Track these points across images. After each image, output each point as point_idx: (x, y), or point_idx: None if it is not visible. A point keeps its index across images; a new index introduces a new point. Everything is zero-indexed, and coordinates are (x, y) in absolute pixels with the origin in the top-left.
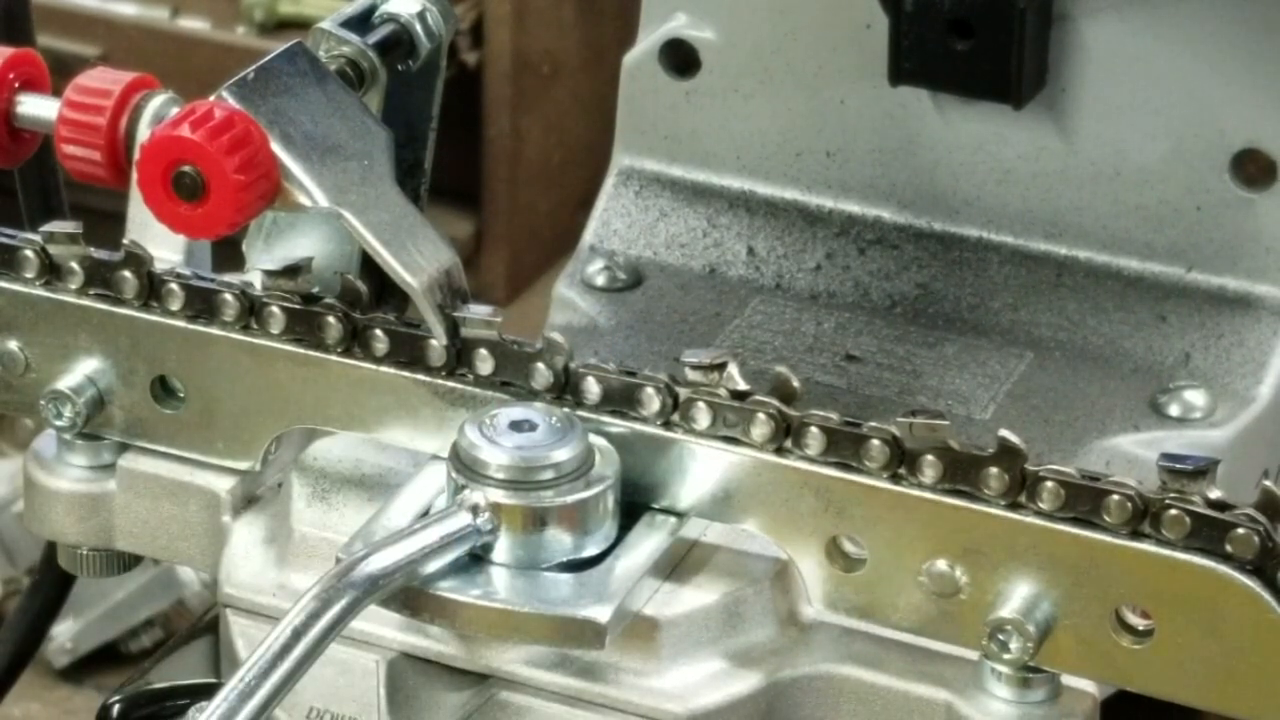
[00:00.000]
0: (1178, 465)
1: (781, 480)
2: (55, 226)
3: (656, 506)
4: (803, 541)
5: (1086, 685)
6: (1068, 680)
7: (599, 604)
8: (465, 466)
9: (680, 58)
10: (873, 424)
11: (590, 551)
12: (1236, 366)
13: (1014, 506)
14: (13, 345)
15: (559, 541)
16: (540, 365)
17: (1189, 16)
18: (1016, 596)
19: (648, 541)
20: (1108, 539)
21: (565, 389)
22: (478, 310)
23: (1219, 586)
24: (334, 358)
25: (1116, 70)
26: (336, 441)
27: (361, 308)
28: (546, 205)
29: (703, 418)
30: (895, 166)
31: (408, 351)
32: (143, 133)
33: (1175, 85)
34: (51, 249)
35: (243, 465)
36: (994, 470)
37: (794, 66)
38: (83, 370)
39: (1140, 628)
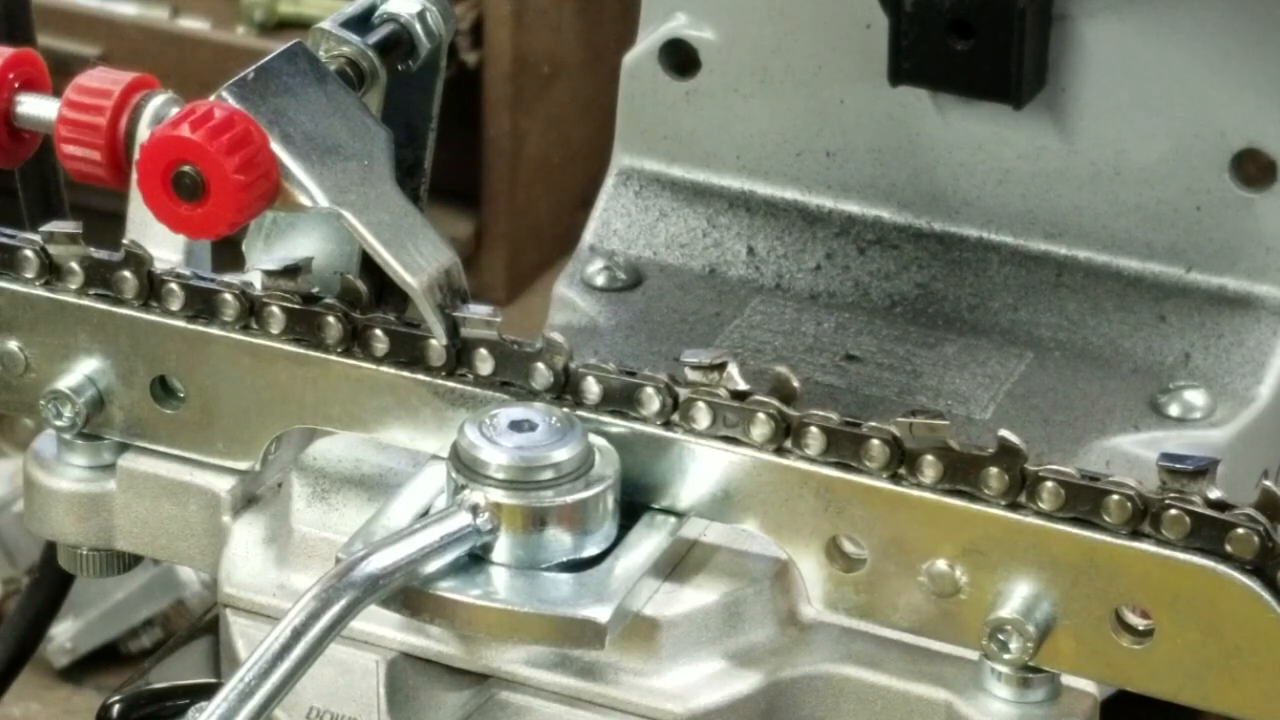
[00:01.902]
0: (1178, 465)
1: (781, 480)
2: (55, 226)
3: (656, 506)
4: (803, 541)
5: (1086, 685)
6: (1068, 680)
7: (599, 604)
8: (465, 466)
9: (680, 58)
10: (873, 424)
11: (590, 551)
12: (1236, 366)
13: (1014, 506)
14: (13, 345)
15: (559, 541)
16: (540, 365)
17: (1189, 16)
18: (1016, 596)
19: (648, 541)
20: (1108, 539)
21: (565, 389)
22: (478, 310)
23: (1219, 586)
24: (334, 358)
25: (1116, 70)
26: (336, 441)
27: (361, 308)
28: (546, 205)
29: (703, 418)
30: (895, 166)
31: (408, 351)
32: (143, 133)
33: (1175, 85)
34: (51, 249)
35: (243, 465)
36: (994, 470)
37: (794, 66)
38: (83, 370)
39: (1140, 628)
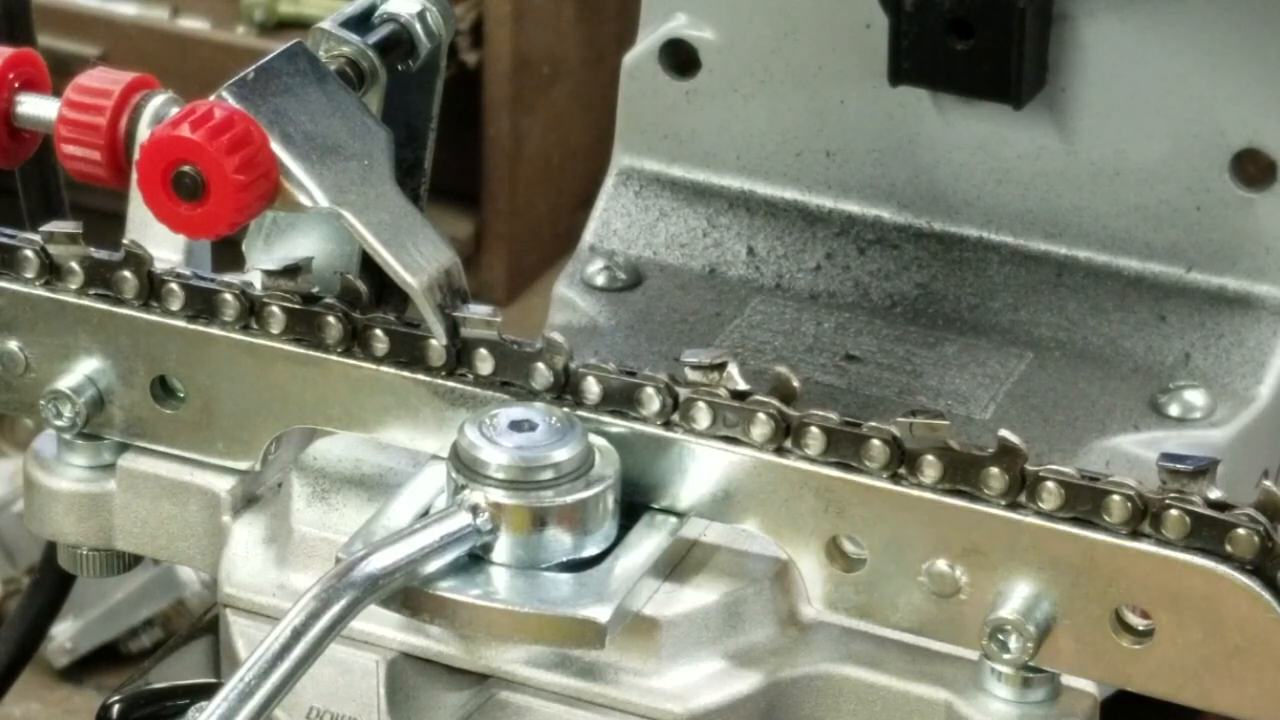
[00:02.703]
0: (1178, 465)
1: (781, 480)
2: (55, 226)
3: (656, 506)
4: (803, 541)
5: (1086, 685)
6: (1068, 680)
7: (599, 604)
8: (465, 466)
9: (680, 58)
10: (873, 424)
11: (590, 551)
12: (1236, 366)
13: (1014, 506)
14: (13, 345)
15: (559, 541)
16: (540, 365)
17: (1189, 16)
18: (1016, 596)
19: (648, 541)
20: (1108, 539)
21: (565, 389)
22: (478, 310)
23: (1219, 586)
24: (334, 358)
25: (1116, 70)
26: (336, 441)
27: (361, 308)
28: (546, 205)
29: (703, 418)
30: (895, 166)
31: (408, 351)
32: (143, 133)
33: (1175, 85)
34: (51, 249)
35: (243, 465)
36: (994, 470)
37: (794, 66)
38: (83, 370)
39: (1140, 628)
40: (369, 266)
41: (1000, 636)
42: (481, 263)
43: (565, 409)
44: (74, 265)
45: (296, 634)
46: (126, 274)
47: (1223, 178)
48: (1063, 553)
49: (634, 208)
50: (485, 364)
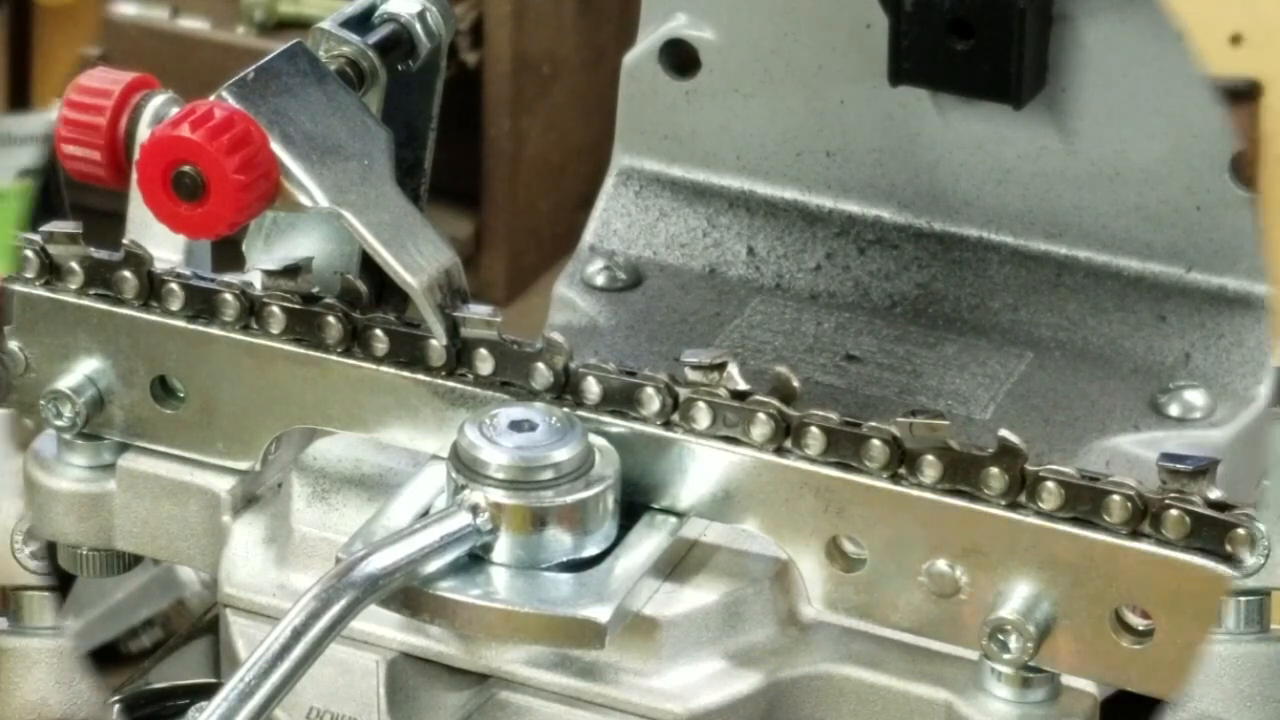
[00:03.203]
0: (1178, 465)
1: (781, 480)
2: (55, 226)
3: (656, 506)
4: (803, 541)
5: (1086, 685)
6: (1068, 680)
7: (599, 604)
8: (465, 466)
9: (680, 58)
10: (873, 424)
11: (590, 551)
12: (1236, 366)
13: (1014, 506)
14: (13, 345)
15: (559, 541)
16: (540, 365)
17: None
18: (1016, 596)
19: (648, 541)
20: (1108, 539)
21: (565, 389)
22: (478, 310)
23: (1219, 586)
24: (334, 358)
25: (1116, 70)
26: (336, 441)
27: (361, 308)
28: (546, 205)
29: (703, 418)
30: (895, 166)
31: (408, 351)
32: (143, 133)
33: (1175, 85)
34: (51, 249)
35: (243, 465)
36: (994, 470)
37: (794, 66)
38: (83, 370)
39: (1140, 628)
40: (369, 266)
41: (1000, 636)
42: (481, 263)
43: (565, 409)
44: (74, 265)
45: (296, 634)
46: (126, 274)
47: (1223, 178)
48: (1062, 553)
49: (634, 208)
50: (485, 364)
